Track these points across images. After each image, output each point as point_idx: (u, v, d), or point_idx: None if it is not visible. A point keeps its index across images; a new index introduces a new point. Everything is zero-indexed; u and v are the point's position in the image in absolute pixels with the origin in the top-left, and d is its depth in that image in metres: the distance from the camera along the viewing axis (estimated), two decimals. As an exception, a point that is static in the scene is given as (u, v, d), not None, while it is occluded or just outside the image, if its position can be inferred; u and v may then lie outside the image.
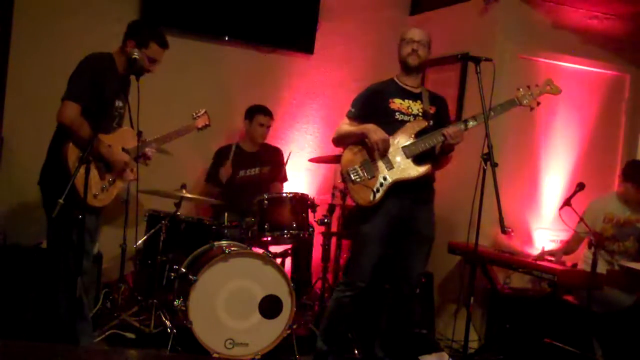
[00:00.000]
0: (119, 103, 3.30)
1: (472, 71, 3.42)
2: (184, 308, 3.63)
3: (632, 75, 5.04)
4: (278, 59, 5.28)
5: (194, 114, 3.90)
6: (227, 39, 5.01)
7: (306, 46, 5.29)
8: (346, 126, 3.61)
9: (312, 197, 4.24)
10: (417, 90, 3.65)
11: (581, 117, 4.94)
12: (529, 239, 4.77)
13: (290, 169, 5.02)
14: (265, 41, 5.15)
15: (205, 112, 3.93)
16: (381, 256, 3.56)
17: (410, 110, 3.58)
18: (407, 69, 3.61)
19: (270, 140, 5.05)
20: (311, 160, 4.80)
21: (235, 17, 4.99)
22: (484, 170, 3.09)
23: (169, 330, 3.84)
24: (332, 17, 5.40)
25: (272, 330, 3.79)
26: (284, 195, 4.21)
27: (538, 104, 3.55)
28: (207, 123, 3.93)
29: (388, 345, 3.71)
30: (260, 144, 4.87)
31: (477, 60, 3.28)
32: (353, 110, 3.63)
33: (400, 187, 3.47)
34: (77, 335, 3.16)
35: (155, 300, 3.99)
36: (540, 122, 4.81)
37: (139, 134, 3.44)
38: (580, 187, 4.14)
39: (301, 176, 5.29)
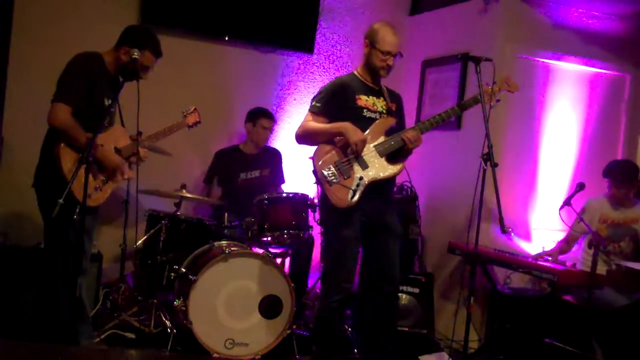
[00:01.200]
0: (108, 102, 3.29)
1: (472, 71, 3.42)
2: (184, 308, 3.63)
3: (632, 75, 5.05)
4: (278, 59, 5.28)
5: (184, 111, 3.86)
6: (227, 39, 5.01)
7: (306, 46, 5.29)
8: (314, 123, 3.52)
9: (312, 197, 4.24)
10: (377, 87, 3.62)
11: (581, 117, 4.94)
12: (529, 239, 4.77)
13: (290, 169, 5.02)
14: (265, 41, 5.15)
15: (195, 109, 3.89)
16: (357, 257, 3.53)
17: (375, 107, 3.54)
18: (374, 75, 3.57)
19: (270, 140, 5.05)
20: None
21: (235, 17, 4.99)
22: (484, 170, 3.09)
23: (169, 330, 3.83)
24: (332, 17, 5.41)
25: (272, 330, 3.79)
26: (284, 195, 4.22)
27: (497, 101, 3.52)
28: (197, 120, 3.89)
29: (380, 345, 3.67)
30: (261, 146, 4.88)
31: (477, 60, 3.28)
32: (318, 105, 3.54)
33: (370, 188, 3.42)
34: (77, 336, 3.16)
35: (155, 300, 3.99)
36: (540, 122, 4.81)
37: (139, 134, 3.44)
38: (580, 187, 4.15)
39: (301, 176, 5.29)
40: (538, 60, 4.75)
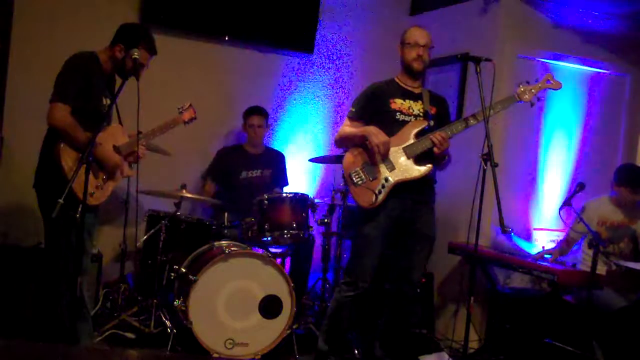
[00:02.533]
0: (106, 101, 3.29)
1: (472, 71, 3.41)
2: (184, 308, 3.63)
3: (632, 75, 5.05)
4: (278, 59, 5.28)
5: (179, 107, 3.84)
6: (227, 39, 5.01)
7: (306, 46, 5.29)
8: (348, 128, 3.60)
9: (312, 198, 4.24)
10: (418, 91, 3.65)
11: (581, 117, 4.94)
12: (529, 239, 4.77)
13: (290, 169, 5.02)
14: (265, 41, 5.15)
15: (190, 105, 3.86)
16: (382, 256, 3.56)
17: (411, 110, 3.57)
18: (410, 72, 3.61)
19: (271, 140, 5.05)
20: (311, 160, 4.81)
21: (235, 17, 4.99)
22: (484, 170, 3.09)
23: (169, 330, 3.84)
24: (332, 17, 5.41)
25: (272, 330, 3.79)
26: (284, 195, 4.21)
27: (538, 99, 3.54)
28: (193, 116, 3.86)
29: (388, 345, 3.70)
30: (263, 146, 4.89)
31: (477, 60, 3.28)
32: (354, 110, 3.63)
33: (401, 188, 3.47)
34: (77, 335, 3.16)
35: (155, 300, 3.99)
36: (540, 122, 4.81)
37: (139, 133, 3.43)
38: (580, 187, 4.14)
39: (301, 176, 5.29)
40: (538, 60, 4.75)
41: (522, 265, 4.11)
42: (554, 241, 4.61)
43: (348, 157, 3.54)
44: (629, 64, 5.01)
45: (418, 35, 3.57)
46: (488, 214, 4.33)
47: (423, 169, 3.49)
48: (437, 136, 3.44)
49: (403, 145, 3.49)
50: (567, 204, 4.10)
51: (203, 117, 4.05)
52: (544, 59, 4.76)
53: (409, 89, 3.63)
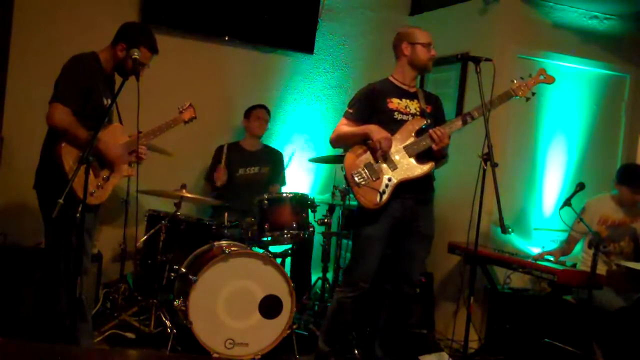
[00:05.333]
0: (107, 102, 3.28)
1: (472, 71, 3.42)
2: (184, 308, 3.63)
3: (632, 75, 5.05)
4: (278, 59, 5.29)
5: (179, 107, 3.84)
6: (227, 39, 5.01)
7: (306, 46, 5.29)
8: (345, 127, 3.57)
9: (312, 197, 4.24)
10: (413, 90, 3.64)
11: (581, 117, 4.94)
12: (529, 239, 4.77)
13: (290, 169, 5.02)
14: (265, 41, 5.15)
15: (190, 104, 3.87)
16: (382, 257, 3.56)
17: (408, 109, 3.57)
18: (422, 71, 3.66)
19: (271, 140, 5.06)
20: (311, 160, 4.81)
21: (235, 17, 4.99)
22: (484, 170, 3.09)
23: (169, 330, 3.84)
24: (332, 17, 5.41)
25: (272, 330, 3.79)
26: (284, 195, 4.21)
27: (533, 94, 3.54)
28: (193, 116, 3.86)
29: (388, 345, 3.70)
30: (261, 143, 4.89)
31: (477, 60, 3.28)
32: (351, 111, 3.60)
33: (402, 188, 3.46)
34: (77, 335, 3.15)
35: (155, 300, 3.99)
36: (541, 122, 4.81)
37: (139, 133, 3.43)
38: (580, 187, 4.14)
39: (301, 176, 5.29)
40: (538, 60, 4.76)
41: (522, 265, 4.11)
42: (554, 241, 4.61)
43: (349, 157, 3.51)
44: (629, 64, 5.01)
45: (428, 36, 3.59)
46: (488, 214, 4.35)
47: (425, 168, 3.49)
48: (436, 132, 3.42)
49: (404, 144, 3.49)
50: (567, 204, 4.11)
51: (203, 117, 4.05)
52: (544, 59, 4.76)
53: (405, 88, 3.62)
